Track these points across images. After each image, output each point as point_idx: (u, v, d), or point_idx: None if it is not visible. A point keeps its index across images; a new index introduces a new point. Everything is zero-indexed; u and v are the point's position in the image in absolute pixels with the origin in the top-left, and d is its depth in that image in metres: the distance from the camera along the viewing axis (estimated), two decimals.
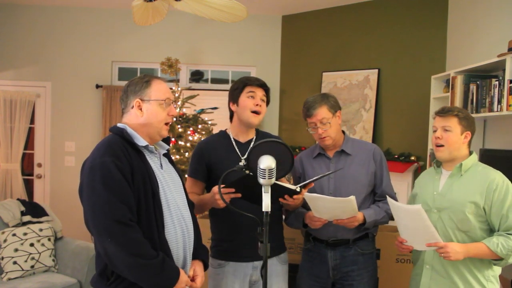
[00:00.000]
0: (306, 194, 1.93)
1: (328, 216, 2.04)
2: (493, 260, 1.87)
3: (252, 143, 2.13)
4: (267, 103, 2.15)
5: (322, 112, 2.13)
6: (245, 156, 2.07)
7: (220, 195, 1.71)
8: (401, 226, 1.95)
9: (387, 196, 2.00)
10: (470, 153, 2.00)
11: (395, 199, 2.05)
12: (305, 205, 2.12)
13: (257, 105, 2.07)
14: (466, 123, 1.95)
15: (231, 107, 2.15)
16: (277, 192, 1.72)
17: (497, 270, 1.94)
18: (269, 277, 2.05)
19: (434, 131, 2.01)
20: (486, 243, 1.82)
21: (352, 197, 1.92)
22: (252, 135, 2.17)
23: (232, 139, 2.15)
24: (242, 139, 2.15)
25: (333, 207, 1.98)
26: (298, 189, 1.81)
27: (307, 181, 1.87)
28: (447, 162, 2.01)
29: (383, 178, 2.21)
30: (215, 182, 2.01)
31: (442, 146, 1.96)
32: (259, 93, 2.09)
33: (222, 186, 1.78)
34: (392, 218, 2.15)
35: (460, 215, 1.89)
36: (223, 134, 2.20)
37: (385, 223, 2.22)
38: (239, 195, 1.81)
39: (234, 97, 2.12)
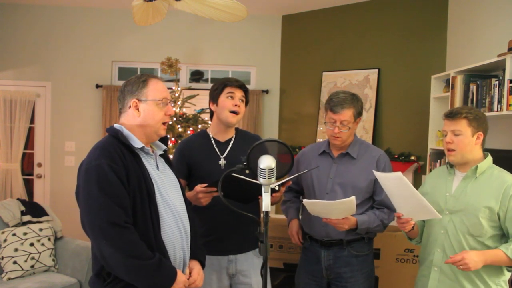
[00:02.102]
0: (305, 201, 1.97)
1: (324, 216, 2.04)
2: (508, 267, 1.80)
3: (232, 142, 2.20)
4: (246, 103, 2.22)
5: (347, 114, 2.12)
6: (224, 155, 2.15)
7: (219, 192, 1.70)
8: (394, 199, 1.89)
9: (374, 171, 1.94)
10: (485, 155, 1.92)
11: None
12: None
13: (235, 105, 2.13)
14: (477, 124, 1.86)
15: (211, 106, 2.21)
16: (257, 189, 1.69)
17: (508, 274, 1.89)
18: (247, 269, 2.15)
19: (444, 136, 1.93)
20: (504, 250, 1.75)
21: (353, 198, 1.90)
22: (231, 134, 2.23)
23: (212, 139, 2.20)
24: (221, 139, 2.20)
25: (331, 209, 1.97)
26: (277, 188, 1.80)
27: (285, 180, 1.86)
28: (461, 165, 1.94)
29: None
30: (195, 180, 2.09)
31: (453, 150, 1.89)
32: (238, 93, 2.16)
33: (204, 185, 1.90)
34: (385, 227, 2.15)
35: (473, 219, 1.83)
36: (203, 133, 2.25)
37: (379, 231, 2.20)
38: (218, 194, 1.79)
39: (214, 97, 2.18)
